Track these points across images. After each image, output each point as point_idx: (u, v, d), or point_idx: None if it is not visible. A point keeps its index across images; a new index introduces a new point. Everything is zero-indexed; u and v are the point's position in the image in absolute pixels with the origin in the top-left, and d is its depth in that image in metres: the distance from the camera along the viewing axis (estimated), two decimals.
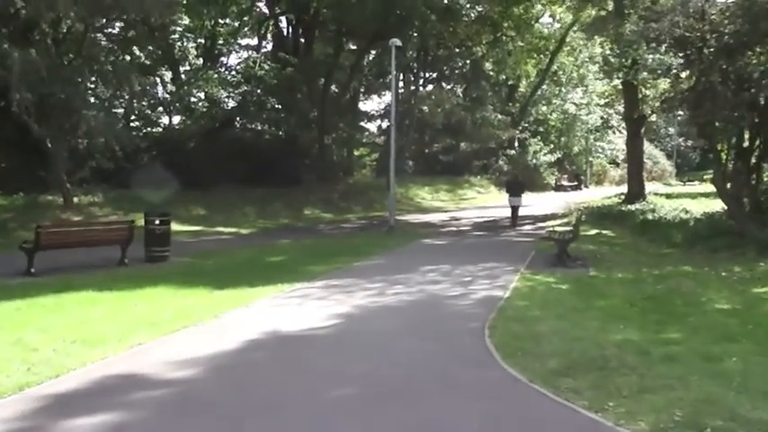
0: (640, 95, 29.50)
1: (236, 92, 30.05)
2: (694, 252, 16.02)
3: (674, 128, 55.26)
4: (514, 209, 24.21)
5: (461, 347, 7.08)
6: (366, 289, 10.81)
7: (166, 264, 14.81)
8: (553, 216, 27.67)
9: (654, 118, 33.85)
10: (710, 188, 42.40)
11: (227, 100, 30.21)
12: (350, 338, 7.59)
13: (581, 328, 7.55)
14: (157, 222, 15.35)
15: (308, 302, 9.78)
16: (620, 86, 31.51)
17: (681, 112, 41.33)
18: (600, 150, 53.32)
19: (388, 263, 14.52)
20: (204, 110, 29.59)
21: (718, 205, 28.62)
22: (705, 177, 50.18)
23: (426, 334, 7.67)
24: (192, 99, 29.25)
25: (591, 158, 52.35)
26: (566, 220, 25.44)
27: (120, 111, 30.27)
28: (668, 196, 33.04)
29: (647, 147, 58.03)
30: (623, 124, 54.61)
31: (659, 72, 22.65)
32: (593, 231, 21.08)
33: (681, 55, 18.37)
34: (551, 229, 15.78)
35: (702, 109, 18.04)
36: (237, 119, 31.65)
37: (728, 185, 19.21)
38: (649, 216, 23.58)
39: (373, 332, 7.85)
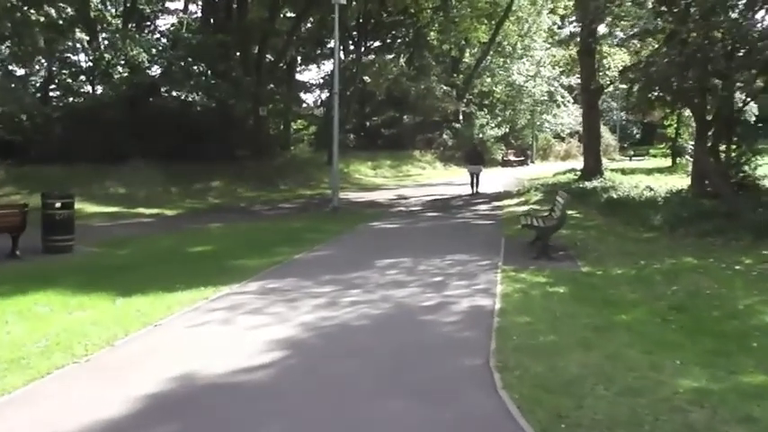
0: (597, 66, 27.75)
1: (162, 57, 26.85)
2: (679, 236, 14.24)
3: (617, 102, 54.15)
4: (474, 176, 26.32)
5: (471, 417, 4.70)
6: (314, 295, 8.46)
7: (68, 256, 12.19)
8: (507, 194, 25.77)
9: (610, 88, 32.22)
10: (659, 163, 41.70)
11: (150, 66, 26.97)
12: (297, 395, 5.18)
13: (625, 366, 5.40)
14: (58, 205, 12.63)
15: (237, 319, 7.38)
16: (577, 56, 29.68)
17: (624, 86, 40.23)
18: (546, 124, 51.83)
19: (337, 254, 12.19)
20: (125, 76, 26.32)
21: (677, 182, 27.40)
22: (653, 152, 49.37)
23: (409, 384, 5.33)
24: (111, 64, 25.99)
25: (537, 132, 50.78)
26: (522, 198, 23.59)
27: (37, 79, 27.14)
28: (623, 172, 31.55)
29: None
30: (568, 97, 53.62)
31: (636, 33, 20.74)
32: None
33: (668, 11, 16.46)
34: (527, 213, 13.55)
35: (683, 75, 16.32)
36: (163, 88, 28.45)
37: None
38: (613, 194, 21.88)
39: (331, 380, 5.48)
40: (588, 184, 24.27)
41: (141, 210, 20.32)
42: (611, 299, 8.13)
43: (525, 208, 20.95)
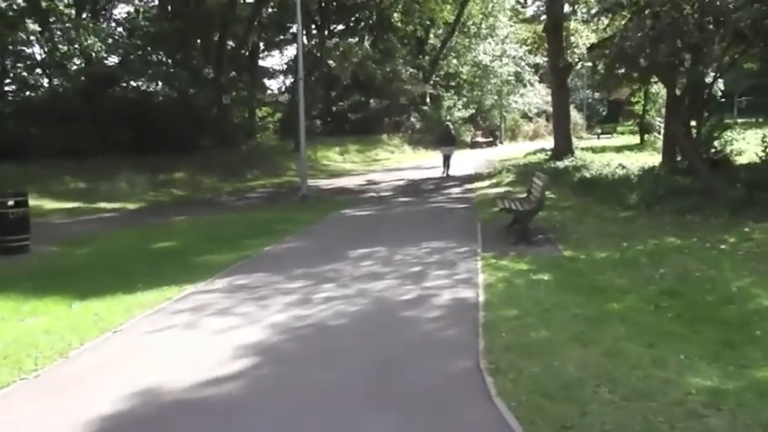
0: (564, 44, 27.37)
1: (118, 46, 25.87)
2: (656, 214, 13.98)
3: (583, 80, 54.01)
4: (446, 157, 26.81)
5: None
6: (285, 292, 7.95)
7: (24, 257, 11.55)
8: (479, 177, 25.40)
9: (579, 66, 31.97)
10: (626, 140, 41.65)
11: (108, 56, 25.97)
12: (271, 410, 4.68)
13: (626, 364, 4.97)
14: (11, 203, 11.96)
15: (203, 322, 6.85)
16: (544, 33, 29.31)
17: (590, 64, 39.99)
18: (513, 104, 51.53)
19: (308, 245, 11.68)
20: (82, 67, 25.34)
21: (647, 159, 27.28)
22: (620, 129, 49.43)
23: (395, 394, 4.82)
24: (67, 55, 24.94)
25: (505, 113, 50.46)
26: (495, 180, 23.23)
27: None
28: (593, 150, 31.36)
29: None
30: (535, 76, 53.36)
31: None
32: None
33: None
34: (503, 196, 13.09)
35: (656, 49, 15.98)
36: (122, 78, 27.45)
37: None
38: (586, 173, 21.63)
39: (308, 392, 4.95)
40: (560, 164, 23.99)
41: (102, 204, 19.58)
42: (598, 285, 7.73)
43: (498, 190, 20.60)
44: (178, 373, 5.32)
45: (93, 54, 24.33)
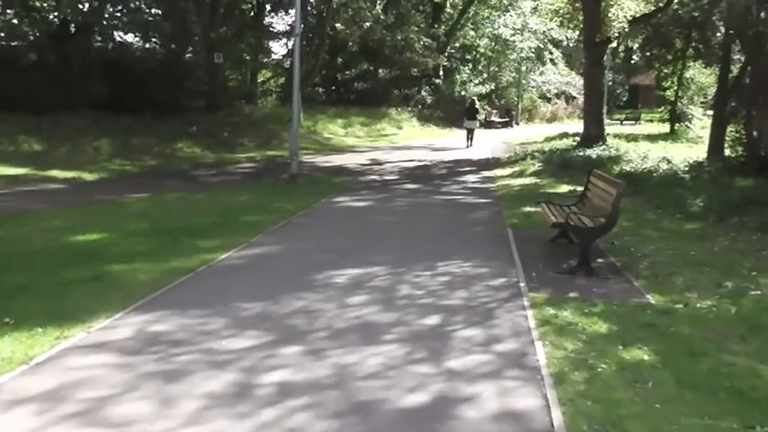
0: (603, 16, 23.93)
1: None
2: (733, 229, 10.96)
3: (607, 61, 50.34)
4: (470, 131, 28.09)
5: None
6: (216, 364, 4.73)
7: None
8: (497, 162, 22.19)
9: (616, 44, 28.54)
10: (653, 128, 38.22)
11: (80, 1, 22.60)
12: None
13: None
14: None
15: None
16: (579, 4, 25.84)
17: (630, 42, 36.54)
18: (531, 83, 48.00)
19: (280, 254, 8.49)
20: (50, 9, 21.97)
21: (685, 152, 24.05)
22: (650, 117, 45.81)
23: None
24: None
25: (522, 92, 46.91)
26: (517, 168, 20.01)
27: None
28: (622, 138, 28.07)
29: (578, 81, 53.42)
30: (557, 53, 49.78)
31: None
32: (566, 187, 15.71)
33: None
34: (548, 200, 9.57)
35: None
36: (97, 26, 24.07)
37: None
38: (626, 167, 18.49)
39: None
40: (591, 153, 20.84)
41: (54, 173, 16.38)
42: (737, 375, 4.60)
43: (523, 181, 17.42)
44: None
45: None
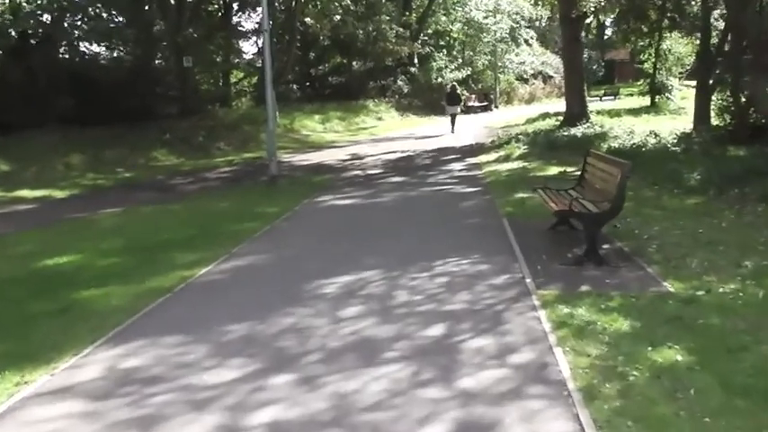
0: None
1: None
2: (735, 201, 10.53)
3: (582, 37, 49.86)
4: (453, 116, 27.89)
5: None
6: (197, 403, 4.16)
7: None
8: (481, 148, 21.64)
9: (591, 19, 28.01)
10: (633, 103, 37.83)
11: (38, 11, 21.58)
12: None
13: None
14: None
15: None
16: None
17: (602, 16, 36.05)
18: (508, 65, 47.43)
19: (265, 264, 7.90)
20: (8, 22, 21.01)
21: (669, 124, 23.61)
22: (629, 91, 45.38)
23: None
24: None
25: (499, 75, 46.30)
26: (502, 153, 19.48)
27: None
28: (604, 114, 27.63)
29: (554, 60, 52.99)
30: (531, 33, 49.28)
31: None
32: (555, 169, 15.22)
33: None
34: (544, 186, 8.89)
35: None
36: (59, 37, 23.15)
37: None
38: (613, 143, 18.02)
39: None
40: (575, 132, 20.39)
41: (23, 193, 15.72)
42: None
43: (510, 165, 16.90)
44: None
45: (24, 3, 20.07)
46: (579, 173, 14.13)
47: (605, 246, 7.69)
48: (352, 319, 5.63)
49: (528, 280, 6.46)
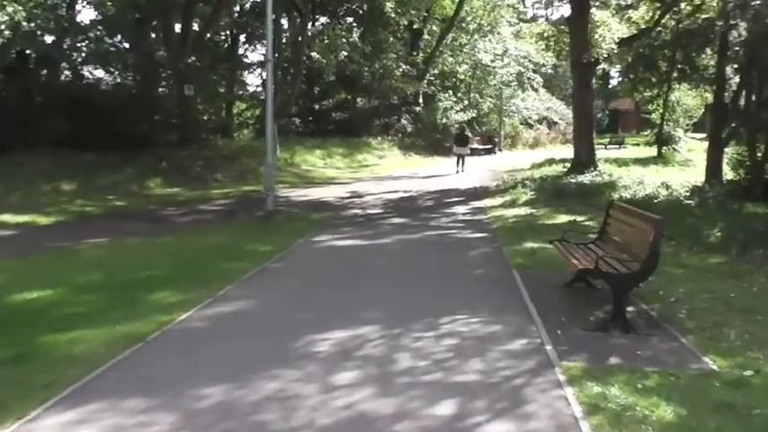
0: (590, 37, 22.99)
1: (52, 19, 20.98)
2: (759, 260, 9.82)
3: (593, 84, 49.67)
4: (460, 157, 28.40)
5: None
6: None
7: None
8: (486, 191, 21.00)
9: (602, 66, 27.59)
10: (639, 152, 37.36)
11: (39, 32, 21.02)
12: None
13: None
14: None
15: None
16: (565, 25, 24.98)
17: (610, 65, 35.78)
18: (513, 109, 47.11)
19: (252, 313, 7.13)
20: (8, 42, 20.47)
21: (679, 176, 23.03)
22: (635, 141, 45.04)
23: None
24: None
25: (505, 118, 45.93)
26: (508, 198, 18.82)
27: None
28: (611, 163, 27.05)
29: (559, 106, 52.80)
30: (538, 78, 49.08)
31: None
32: (564, 218, 14.53)
33: None
34: (563, 239, 8.05)
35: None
36: (57, 59, 22.59)
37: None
38: (624, 193, 17.36)
39: None
40: (583, 179, 19.74)
41: (5, 217, 14.95)
42: None
43: (516, 211, 16.21)
44: None
45: (24, 23, 19.53)
46: (589, 222, 13.58)
47: (630, 308, 6.94)
48: (346, 387, 4.85)
49: (548, 347, 5.70)
